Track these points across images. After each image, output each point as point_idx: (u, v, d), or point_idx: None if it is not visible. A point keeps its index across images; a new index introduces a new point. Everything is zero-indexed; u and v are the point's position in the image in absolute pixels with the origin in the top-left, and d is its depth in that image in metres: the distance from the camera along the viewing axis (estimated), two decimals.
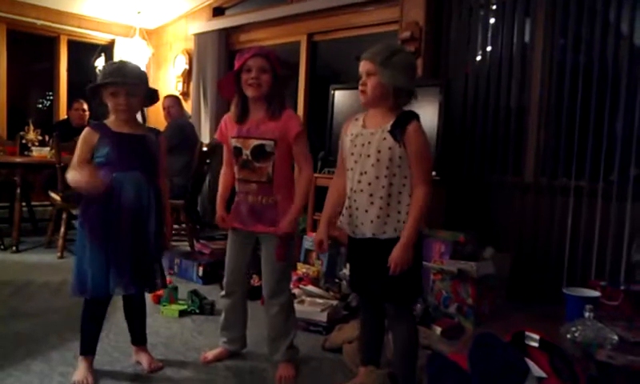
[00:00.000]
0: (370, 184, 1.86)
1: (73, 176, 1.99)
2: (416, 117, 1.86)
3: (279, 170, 2.13)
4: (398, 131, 1.82)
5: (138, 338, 2.29)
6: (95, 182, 1.95)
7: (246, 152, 2.13)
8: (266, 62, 2.09)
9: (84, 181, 1.95)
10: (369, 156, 1.86)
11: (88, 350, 2.12)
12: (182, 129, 4.60)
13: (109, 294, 2.06)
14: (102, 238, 2.00)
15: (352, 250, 2.02)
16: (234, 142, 2.17)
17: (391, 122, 1.84)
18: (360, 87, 1.88)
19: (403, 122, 1.83)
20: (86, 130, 2.08)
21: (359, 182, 1.88)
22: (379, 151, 1.84)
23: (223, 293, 2.35)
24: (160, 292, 2.93)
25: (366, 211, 1.87)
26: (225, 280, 2.32)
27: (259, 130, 2.12)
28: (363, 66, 1.87)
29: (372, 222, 1.85)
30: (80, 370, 2.08)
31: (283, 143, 2.12)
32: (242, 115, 2.16)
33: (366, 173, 1.87)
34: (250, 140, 2.13)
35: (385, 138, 1.83)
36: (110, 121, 2.10)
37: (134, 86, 2.04)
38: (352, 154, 1.92)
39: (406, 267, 1.80)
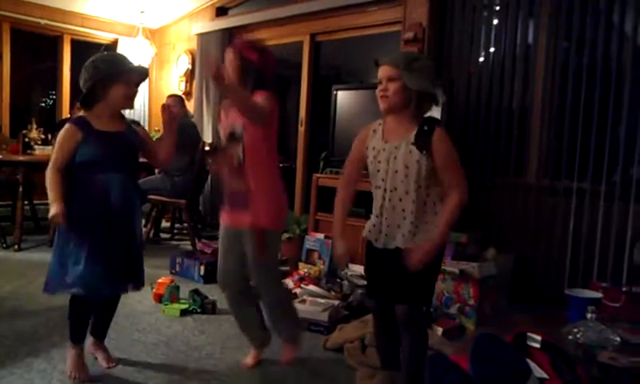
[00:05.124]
0: (400, 200, 1.83)
1: (50, 184, 1.96)
2: (438, 123, 1.83)
3: (250, 156, 2.08)
4: (423, 142, 1.77)
5: (101, 332, 2.27)
6: (57, 218, 1.91)
7: (224, 138, 2.17)
8: (233, 54, 2.11)
9: (52, 210, 1.91)
10: (397, 172, 1.82)
11: (77, 337, 2.12)
12: (184, 128, 4.59)
13: (95, 294, 2.06)
14: (87, 236, 1.98)
15: (371, 258, 1.97)
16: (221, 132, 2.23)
17: (414, 133, 1.80)
18: (380, 93, 1.84)
19: (427, 131, 1.78)
20: (69, 126, 2.01)
21: (390, 200, 1.85)
22: (407, 166, 1.80)
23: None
24: (161, 290, 2.95)
25: (399, 226, 1.83)
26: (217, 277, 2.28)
27: (231, 116, 2.14)
28: (383, 72, 1.83)
29: (403, 235, 1.82)
30: (71, 360, 2.09)
31: (251, 127, 2.06)
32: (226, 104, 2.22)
33: (395, 189, 1.83)
34: (226, 127, 2.17)
35: (410, 152, 1.79)
36: (93, 116, 2.03)
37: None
38: (378, 170, 1.87)
39: (422, 267, 1.74)
